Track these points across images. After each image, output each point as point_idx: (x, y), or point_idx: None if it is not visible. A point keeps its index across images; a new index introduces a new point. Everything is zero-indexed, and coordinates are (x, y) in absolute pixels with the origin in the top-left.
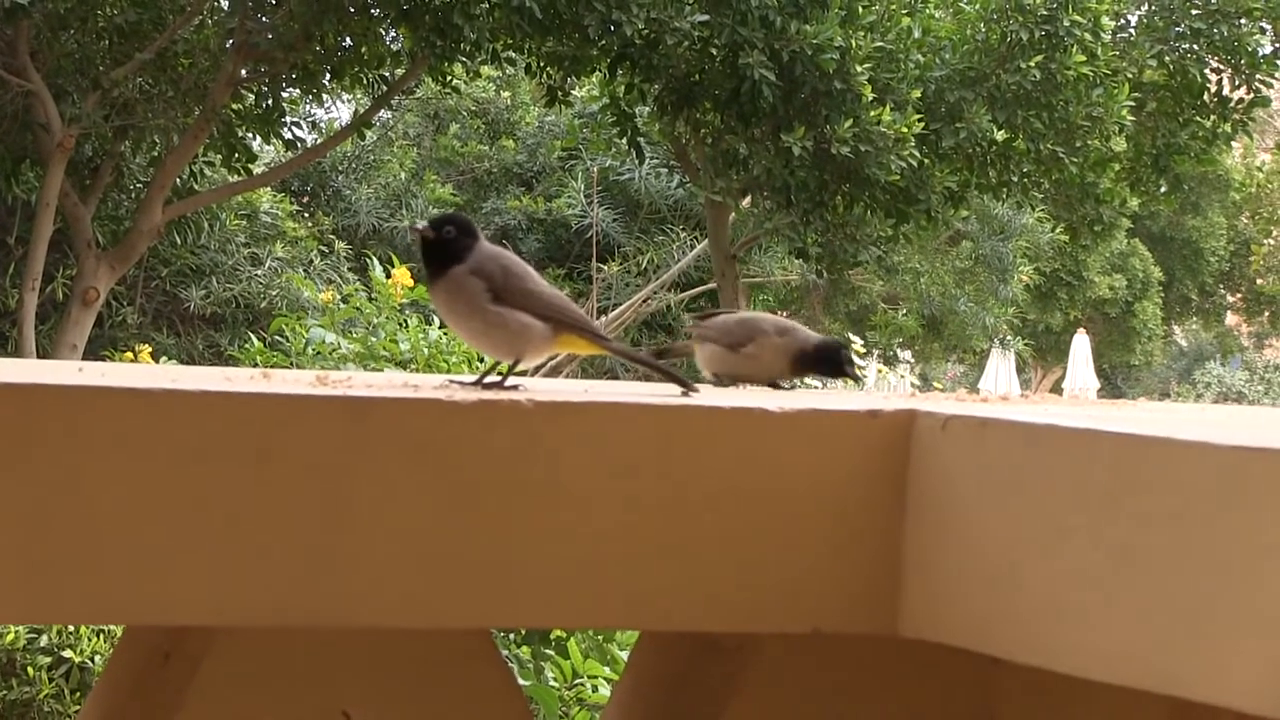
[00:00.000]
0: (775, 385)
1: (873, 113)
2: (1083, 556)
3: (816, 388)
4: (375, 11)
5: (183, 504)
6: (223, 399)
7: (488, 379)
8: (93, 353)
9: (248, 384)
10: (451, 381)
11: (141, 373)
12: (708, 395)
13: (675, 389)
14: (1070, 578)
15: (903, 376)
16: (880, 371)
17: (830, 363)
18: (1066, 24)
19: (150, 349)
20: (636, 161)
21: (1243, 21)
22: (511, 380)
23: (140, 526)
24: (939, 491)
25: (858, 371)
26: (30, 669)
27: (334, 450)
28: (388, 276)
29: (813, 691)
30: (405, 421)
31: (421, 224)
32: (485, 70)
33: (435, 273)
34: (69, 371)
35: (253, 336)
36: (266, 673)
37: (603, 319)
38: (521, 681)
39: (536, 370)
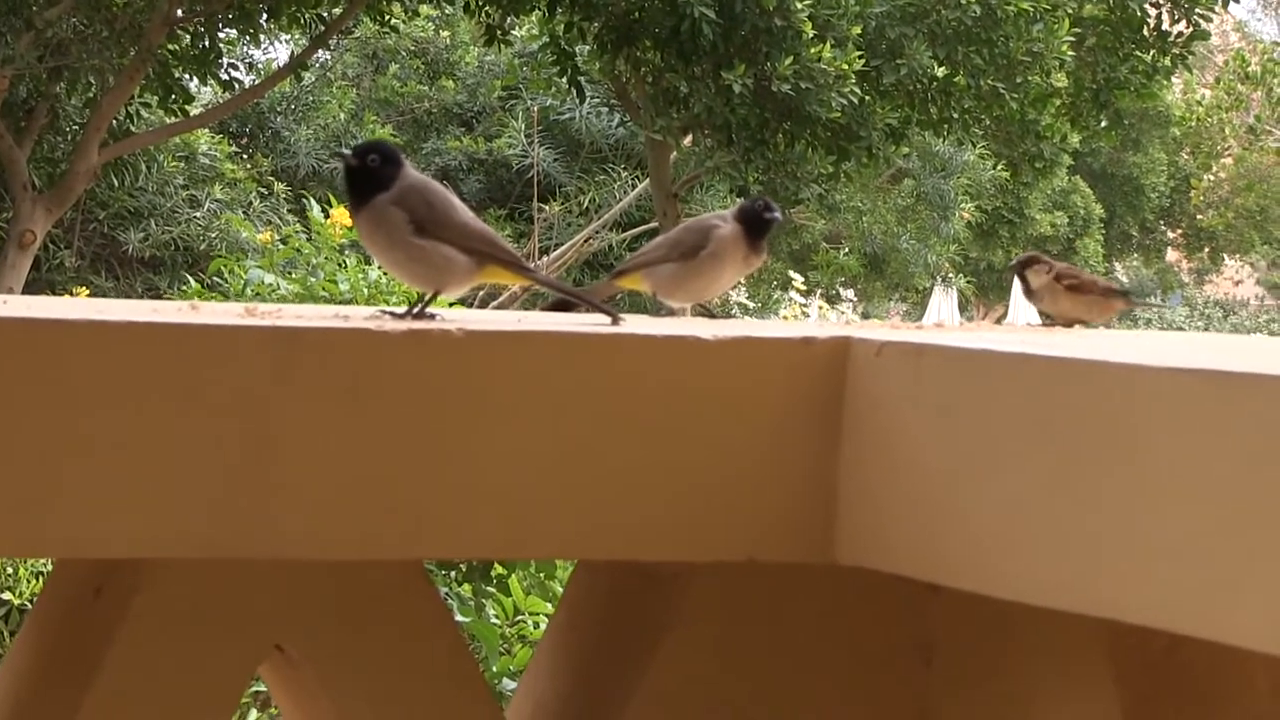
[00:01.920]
0: (708, 312)
1: (813, 50)
2: (1018, 480)
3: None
4: None
5: (110, 435)
6: (149, 330)
7: (418, 310)
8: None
9: (175, 315)
10: (383, 312)
11: (67, 305)
12: (639, 324)
13: (605, 319)
14: (1007, 502)
15: (843, 314)
16: (821, 310)
17: (755, 218)
18: None
19: (88, 292)
20: (577, 101)
21: None
22: (430, 310)
23: (67, 458)
24: (874, 418)
25: (776, 216)
26: None
27: (263, 381)
28: (326, 217)
29: (749, 620)
30: (335, 352)
31: (345, 152)
32: (424, 9)
33: (358, 202)
34: None
35: (191, 278)
36: (199, 607)
37: (544, 259)
38: (462, 619)
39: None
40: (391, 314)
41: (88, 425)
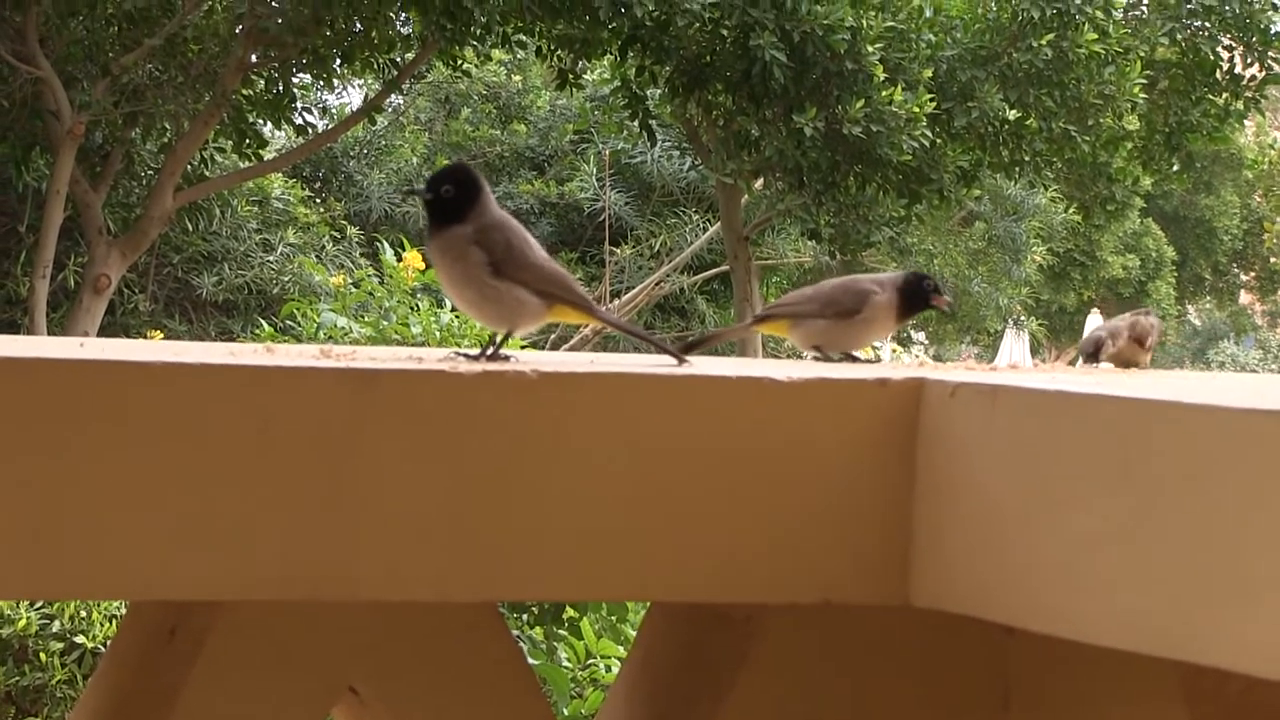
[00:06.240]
0: (852, 357)
1: (884, 93)
2: (1094, 522)
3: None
4: None
5: (186, 477)
6: (226, 371)
7: (491, 351)
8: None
9: (251, 357)
10: (457, 354)
11: (144, 347)
12: (711, 365)
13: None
14: (1082, 543)
15: (917, 358)
16: (895, 352)
17: (918, 297)
18: (1078, 1)
19: (162, 335)
20: (648, 144)
21: None
22: (504, 352)
23: (144, 500)
24: (949, 459)
25: (944, 303)
26: (43, 655)
27: (338, 422)
28: (399, 260)
29: (824, 663)
30: (410, 393)
31: (419, 188)
32: (496, 54)
33: (435, 229)
34: (71, 346)
35: (264, 322)
36: (272, 648)
37: (616, 302)
38: (533, 661)
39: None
40: (465, 355)
41: (164, 467)
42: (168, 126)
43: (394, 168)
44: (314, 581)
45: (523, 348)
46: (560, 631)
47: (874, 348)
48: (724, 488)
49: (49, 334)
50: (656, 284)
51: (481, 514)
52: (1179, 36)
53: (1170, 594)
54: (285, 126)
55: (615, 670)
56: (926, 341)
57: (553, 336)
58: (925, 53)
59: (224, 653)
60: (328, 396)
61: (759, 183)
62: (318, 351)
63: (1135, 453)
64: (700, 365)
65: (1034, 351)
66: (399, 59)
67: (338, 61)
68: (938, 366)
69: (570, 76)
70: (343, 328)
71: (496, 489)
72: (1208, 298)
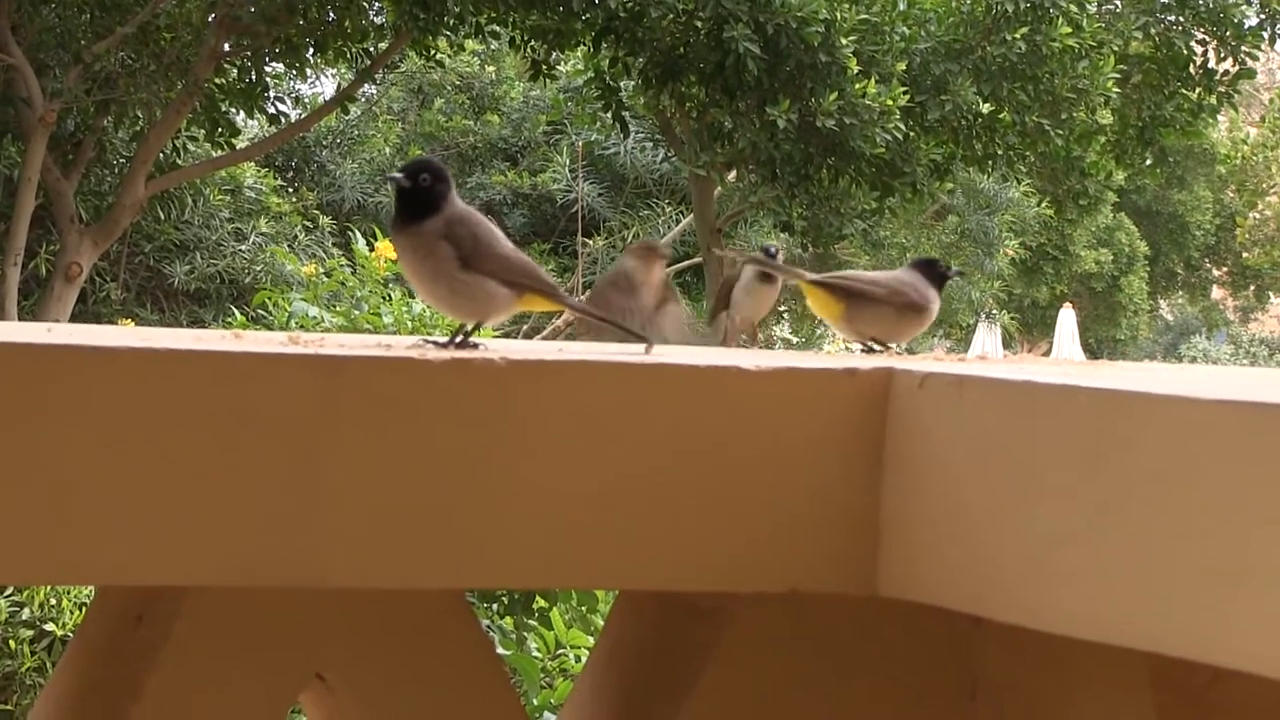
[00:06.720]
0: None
1: (858, 85)
2: (1062, 513)
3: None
4: None
5: (153, 463)
6: (192, 357)
7: (460, 339)
8: None
9: (218, 343)
10: (425, 341)
11: (111, 333)
12: (680, 353)
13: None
14: (1050, 534)
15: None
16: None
17: (941, 279)
18: None
19: (134, 324)
20: (621, 135)
21: None
22: (473, 340)
23: (111, 486)
24: (917, 450)
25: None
26: (12, 642)
27: (306, 409)
28: (371, 250)
29: (792, 653)
30: (378, 380)
31: (397, 174)
32: (469, 44)
33: (406, 222)
34: (38, 332)
35: (236, 311)
36: (240, 635)
37: (589, 293)
38: (503, 651)
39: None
40: (434, 343)
41: (130, 452)
42: (140, 115)
43: (367, 158)
44: (281, 568)
45: (494, 337)
46: (530, 622)
47: (844, 339)
48: (692, 476)
49: (19, 322)
50: None
51: (449, 501)
52: (1152, 31)
53: (1138, 585)
54: (258, 115)
55: (585, 660)
56: None
57: (525, 327)
58: (899, 46)
59: (191, 639)
60: (295, 383)
61: (732, 175)
62: (285, 339)
63: (1103, 444)
64: (668, 354)
65: (1006, 345)
66: (372, 49)
67: (311, 51)
68: (907, 358)
69: (544, 67)
70: (314, 317)
71: (464, 476)
72: (1180, 293)
